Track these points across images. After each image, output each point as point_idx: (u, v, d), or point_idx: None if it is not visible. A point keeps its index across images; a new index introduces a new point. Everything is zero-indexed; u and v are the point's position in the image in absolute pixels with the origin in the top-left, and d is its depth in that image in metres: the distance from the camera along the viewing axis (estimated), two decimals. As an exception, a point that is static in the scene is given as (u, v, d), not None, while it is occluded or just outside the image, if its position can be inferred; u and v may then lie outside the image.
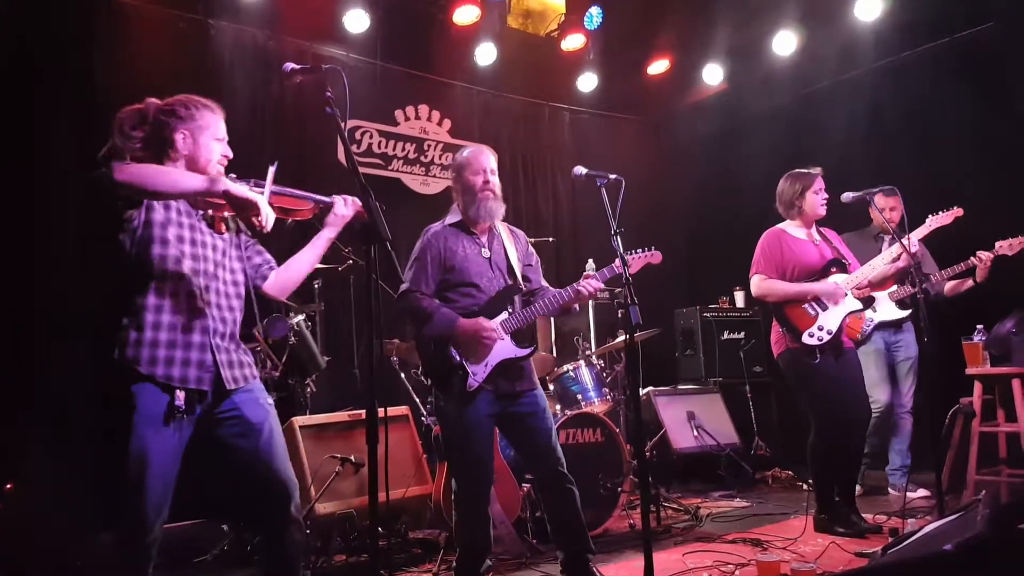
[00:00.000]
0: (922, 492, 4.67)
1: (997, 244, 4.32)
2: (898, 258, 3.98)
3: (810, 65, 6.28)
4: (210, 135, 2.42)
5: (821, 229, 4.16)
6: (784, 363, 4.01)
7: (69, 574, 3.67)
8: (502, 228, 3.32)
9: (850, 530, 3.80)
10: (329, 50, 5.66)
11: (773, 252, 3.99)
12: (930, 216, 4.18)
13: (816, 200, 4.01)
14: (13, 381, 4.00)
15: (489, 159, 3.25)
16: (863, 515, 3.97)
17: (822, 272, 3.94)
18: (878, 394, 4.73)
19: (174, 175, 2.27)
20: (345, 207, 2.50)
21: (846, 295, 3.88)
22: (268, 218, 2.24)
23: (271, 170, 2.38)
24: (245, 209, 2.23)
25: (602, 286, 3.14)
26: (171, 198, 2.31)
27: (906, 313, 4.77)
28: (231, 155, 2.48)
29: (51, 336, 4.20)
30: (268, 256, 2.64)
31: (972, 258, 4.35)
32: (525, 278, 3.29)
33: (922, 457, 4.77)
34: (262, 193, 2.32)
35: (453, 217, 3.27)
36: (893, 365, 4.83)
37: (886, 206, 4.65)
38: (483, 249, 3.22)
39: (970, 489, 4.23)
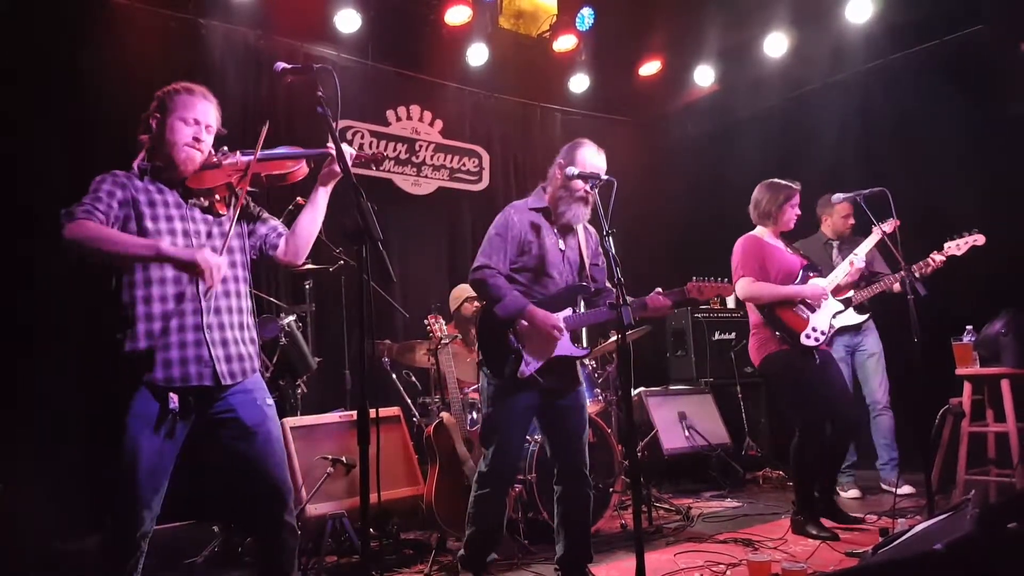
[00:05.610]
0: (907, 489, 4.71)
1: (946, 245, 4.17)
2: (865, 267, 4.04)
3: (801, 67, 6.30)
4: (176, 116, 2.40)
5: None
6: (774, 365, 3.95)
7: (57, 574, 3.64)
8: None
9: (823, 534, 3.77)
10: (320, 50, 5.64)
11: (756, 256, 3.99)
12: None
13: (792, 214, 4.03)
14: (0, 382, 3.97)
15: (603, 163, 3.16)
16: (850, 513, 4.07)
17: (801, 277, 3.97)
18: None
19: (119, 243, 2.22)
20: (337, 161, 2.35)
21: (827, 297, 3.91)
22: (214, 271, 2.20)
23: (263, 131, 2.39)
24: (188, 271, 2.24)
25: (670, 303, 3.08)
26: (119, 261, 2.28)
27: (865, 317, 4.87)
28: (205, 141, 2.42)
29: (39, 337, 4.17)
30: (275, 223, 2.60)
31: (928, 258, 4.19)
32: (592, 278, 3.27)
33: (912, 457, 4.80)
34: (252, 156, 2.36)
35: (537, 201, 3.22)
36: (856, 368, 4.94)
37: (847, 213, 4.86)
38: (560, 241, 3.19)
39: (959, 489, 4.25)
